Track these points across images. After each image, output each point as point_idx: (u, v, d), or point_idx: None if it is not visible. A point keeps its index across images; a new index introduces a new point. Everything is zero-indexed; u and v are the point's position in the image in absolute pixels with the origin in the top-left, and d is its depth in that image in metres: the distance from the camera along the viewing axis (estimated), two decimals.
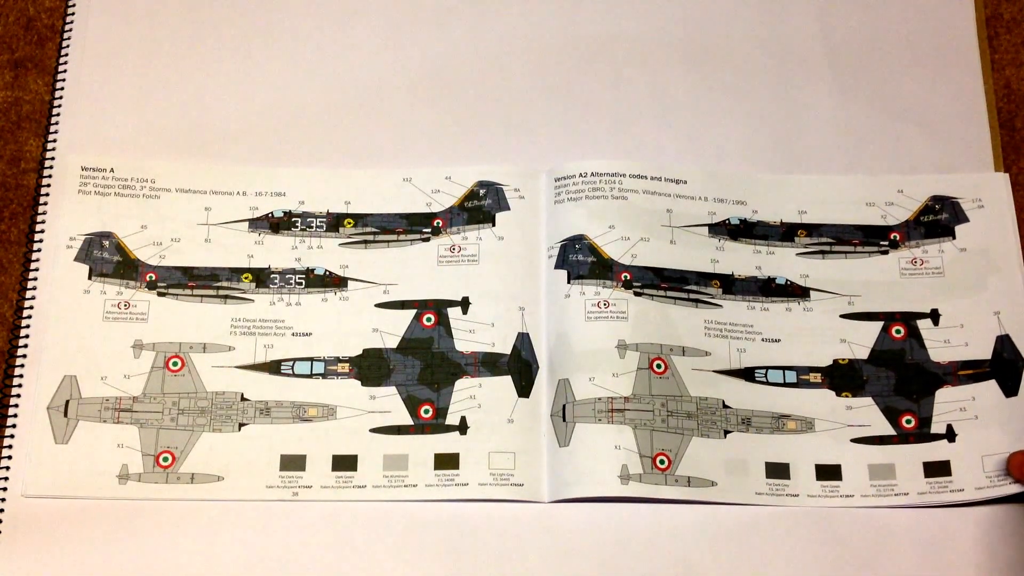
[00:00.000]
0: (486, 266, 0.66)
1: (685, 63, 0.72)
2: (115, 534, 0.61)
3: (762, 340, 0.65)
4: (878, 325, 0.66)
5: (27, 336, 0.65)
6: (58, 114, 0.70)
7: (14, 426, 0.63)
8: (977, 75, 0.71)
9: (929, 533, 0.61)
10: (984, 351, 0.65)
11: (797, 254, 0.67)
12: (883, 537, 0.61)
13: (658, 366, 0.64)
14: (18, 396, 0.64)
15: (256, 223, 0.68)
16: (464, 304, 0.66)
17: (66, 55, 0.72)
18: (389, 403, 0.64)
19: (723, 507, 0.62)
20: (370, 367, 0.65)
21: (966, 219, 0.67)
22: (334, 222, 0.68)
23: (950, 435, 0.63)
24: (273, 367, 0.65)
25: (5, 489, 0.62)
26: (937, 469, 0.62)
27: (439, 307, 0.66)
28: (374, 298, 0.66)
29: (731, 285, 0.66)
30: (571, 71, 0.72)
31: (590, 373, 0.64)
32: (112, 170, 0.68)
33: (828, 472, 0.63)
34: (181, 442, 0.63)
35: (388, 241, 0.67)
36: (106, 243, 0.66)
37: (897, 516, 0.62)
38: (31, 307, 0.65)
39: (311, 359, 0.65)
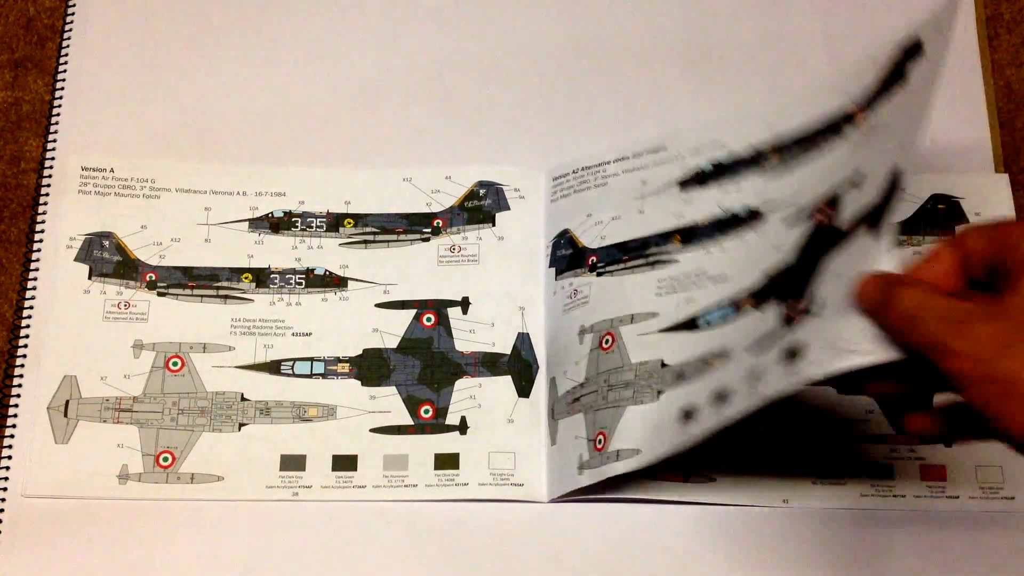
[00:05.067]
0: (486, 266, 0.66)
1: (685, 63, 0.72)
2: (115, 534, 0.61)
3: (711, 282, 0.61)
4: None
5: (27, 336, 0.65)
6: (58, 114, 0.70)
7: (14, 426, 0.63)
8: (977, 75, 0.71)
9: (929, 534, 0.61)
10: None
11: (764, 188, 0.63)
12: (883, 537, 0.61)
13: (606, 341, 0.63)
14: (18, 396, 0.64)
15: (256, 223, 0.68)
16: (464, 304, 0.66)
17: (66, 55, 0.72)
18: (389, 403, 0.64)
19: (724, 507, 0.62)
20: (370, 367, 0.65)
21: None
22: (334, 222, 0.68)
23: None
24: (273, 367, 0.65)
25: (5, 489, 0.62)
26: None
27: (439, 307, 0.66)
28: (374, 298, 0.66)
29: (692, 235, 0.63)
30: (571, 71, 0.72)
31: (564, 367, 0.64)
32: (112, 170, 0.68)
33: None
34: (181, 442, 0.63)
35: (388, 241, 0.67)
36: (106, 243, 0.66)
37: (898, 517, 0.62)
38: (31, 307, 0.65)
39: (311, 359, 0.65)
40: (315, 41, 0.73)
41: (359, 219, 0.68)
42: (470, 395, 0.64)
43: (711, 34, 0.73)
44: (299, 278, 0.67)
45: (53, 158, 0.69)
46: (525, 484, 0.62)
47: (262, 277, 0.66)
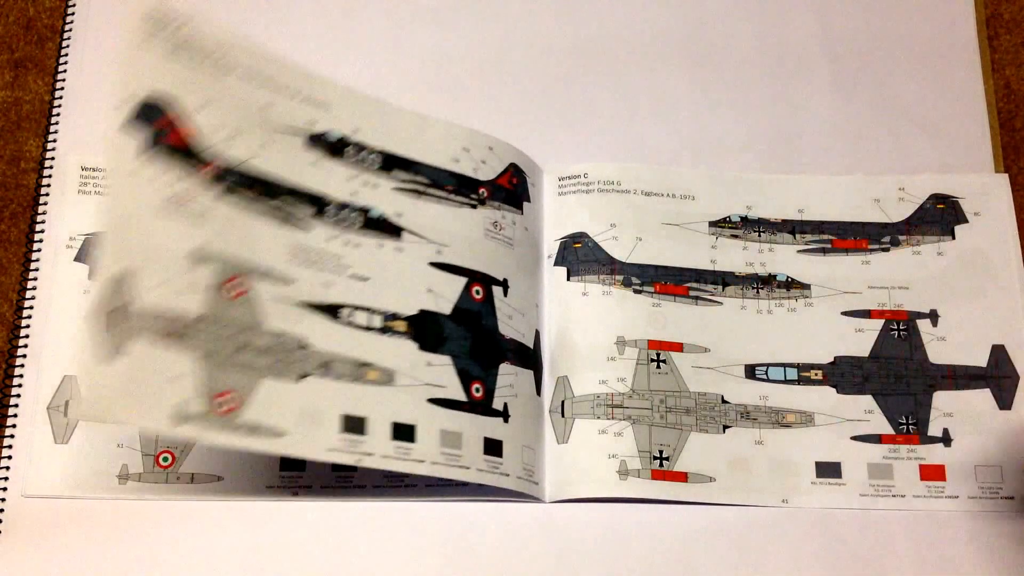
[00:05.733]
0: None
1: (685, 63, 0.72)
2: (115, 534, 0.61)
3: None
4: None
5: (27, 336, 0.65)
6: (58, 114, 0.70)
7: (14, 426, 0.63)
8: (977, 75, 0.71)
9: (929, 534, 0.61)
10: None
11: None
12: (883, 537, 0.61)
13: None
14: (18, 396, 0.63)
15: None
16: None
17: (66, 55, 0.72)
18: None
19: (724, 507, 0.62)
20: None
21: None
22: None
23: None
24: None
25: (5, 489, 0.62)
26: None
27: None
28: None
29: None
30: (571, 71, 0.72)
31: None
32: None
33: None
34: (181, 442, 0.63)
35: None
36: None
37: (897, 516, 0.62)
38: (31, 307, 0.65)
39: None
40: (315, 41, 0.73)
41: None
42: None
43: (711, 34, 0.73)
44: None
45: (53, 158, 0.69)
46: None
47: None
